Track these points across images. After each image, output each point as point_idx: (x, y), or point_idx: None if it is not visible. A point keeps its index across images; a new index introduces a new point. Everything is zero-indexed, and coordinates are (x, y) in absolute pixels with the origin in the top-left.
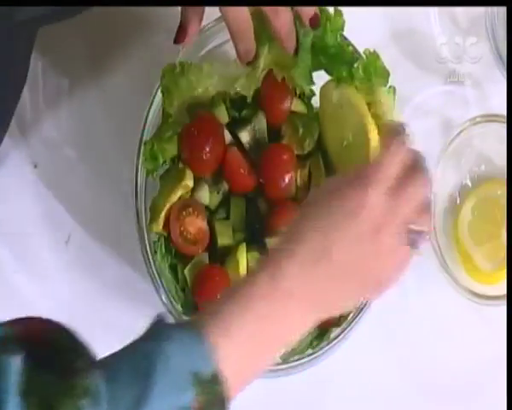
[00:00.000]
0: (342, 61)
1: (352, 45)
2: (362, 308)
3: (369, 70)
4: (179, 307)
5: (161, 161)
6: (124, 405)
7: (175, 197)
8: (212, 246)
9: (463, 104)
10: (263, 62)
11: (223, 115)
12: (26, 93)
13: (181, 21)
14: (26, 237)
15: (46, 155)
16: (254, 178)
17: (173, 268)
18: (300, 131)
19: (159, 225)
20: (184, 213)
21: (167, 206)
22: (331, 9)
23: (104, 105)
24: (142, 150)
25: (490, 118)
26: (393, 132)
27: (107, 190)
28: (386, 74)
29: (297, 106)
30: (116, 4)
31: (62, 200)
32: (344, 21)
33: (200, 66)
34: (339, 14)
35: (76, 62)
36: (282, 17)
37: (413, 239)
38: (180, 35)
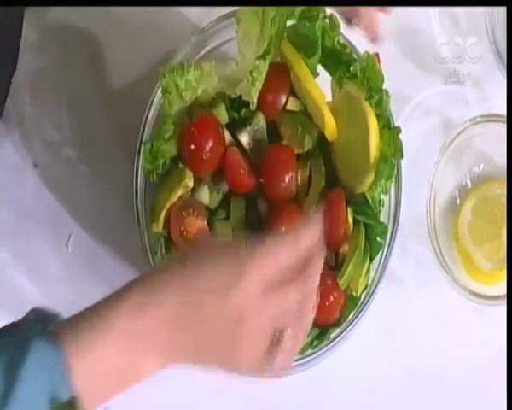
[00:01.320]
0: (340, 62)
1: (352, 46)
2: (361, 308)
3: (368, 72)
4: None
5: (161, 161)
6: None
7: (175, 197)
8: None
9: (463, 104)
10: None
11: (223, 115)
12: (25, 94)
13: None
14: (27, 237)
15: (46, 155)
16: (254, 179)
17: None
18: (299, 129)
19: (159, 225)
20: (184, 213)
21: (167, 206)
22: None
23: (104, 105)
24: (142, 150)
25: (490, 118)
26: (308, 222)
27: (107, 190)
28: (380, 79)
29: (293, 105)
30: (117, 4)
31: (62, 200)
32: (339, 25)
33: (200, 66)
34: (334, 18)
35: (76, 62)
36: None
37: (277, 342)
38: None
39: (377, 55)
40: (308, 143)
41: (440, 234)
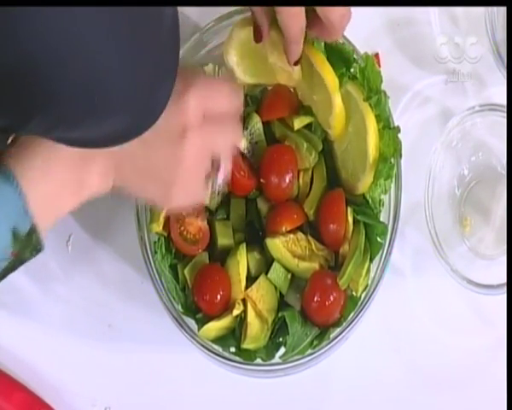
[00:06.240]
0: (340, 61)
1: (352, 46)
2: (361, 308)
3: (367, 73)
4: (179, 307)
5: None
6: None
7: None
8: (212, 246)
9: (463, 105)
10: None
11: None
12: None
13: (254, 23)
14: None
15: None
16: (254, 181)
17: (173, 268)
18: (304, 145)
19: (159, 225)
20: (184, 213)
21: None
22: None
23: None
24: None
25: (488, 107)
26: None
27: None
28: (379, 79)
29: (300, 122)
30: (118, 5)
31: None
32: None
33: (200, 66)
34: None
35: None
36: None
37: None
38: (256, 36)
39: (376, 55)
40: (314, 160)
41: (438, 223)
